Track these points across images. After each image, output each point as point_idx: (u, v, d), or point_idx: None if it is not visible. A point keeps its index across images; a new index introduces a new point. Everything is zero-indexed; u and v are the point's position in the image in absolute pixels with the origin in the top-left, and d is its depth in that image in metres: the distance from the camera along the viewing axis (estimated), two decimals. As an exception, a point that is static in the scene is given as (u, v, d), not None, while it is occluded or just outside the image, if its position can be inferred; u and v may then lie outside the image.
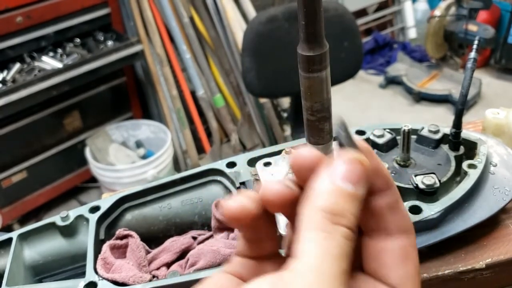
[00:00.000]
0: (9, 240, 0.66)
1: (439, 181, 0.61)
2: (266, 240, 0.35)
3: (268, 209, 0.33)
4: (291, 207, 0.32)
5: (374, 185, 0.33)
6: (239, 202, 0.32)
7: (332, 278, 0.27)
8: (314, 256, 0.28)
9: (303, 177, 0.32)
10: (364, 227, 0.34)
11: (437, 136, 0.67)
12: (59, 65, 2.26)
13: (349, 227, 0.29)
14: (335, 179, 0.30)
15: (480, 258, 0.60)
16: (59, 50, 2.37)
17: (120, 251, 0.65)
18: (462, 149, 0.67)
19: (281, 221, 0.36)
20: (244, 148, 2.98)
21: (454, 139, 0.66)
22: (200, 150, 2.89)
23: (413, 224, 0.34)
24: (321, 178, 0.31)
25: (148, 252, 0.66)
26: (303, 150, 0.33)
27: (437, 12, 3.27)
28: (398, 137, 0.69)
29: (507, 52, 3.42)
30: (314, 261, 0.27)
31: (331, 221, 0.29)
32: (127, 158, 2.60)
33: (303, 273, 0.27)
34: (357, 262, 0.33)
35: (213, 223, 0.66)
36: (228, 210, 0.32)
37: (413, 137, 0.69)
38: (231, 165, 0.70)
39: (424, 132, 0.68)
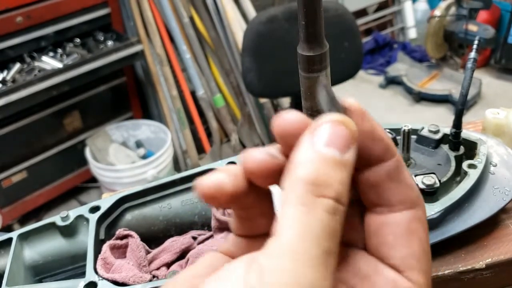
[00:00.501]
0: (9, 240, 0.66)
1: (439, 181, 0.61)
2: (259, 218, 0.31)
3: (253, 181, 0.29)
4: (279, 178, 0.28)
5: (370, 152, 0.29)
6: (214, 179, 0.28)
7: (312, 260, 0.24)
8: (291, 235, 0.24)
9: (288, 145, 0.28)
10: (365, 201, 0.30)
11: (437, 136, 0.67)
12: (59, 65, 2.26)
13: (336, 199, 0.26)
14: (317, 145, 0.26)
15: (480, 258, 0.60)
16: (59, 50, 2.37)
17: (120, 251, 0.65)
18: (462, 149, 0.67)
19: (277, 196, 0.32)
20: (244, 148, 2.98)
21: (454, 139, 0.66)
22: (200, 150, 2.89)
23: (421, 194, 0.31)
24: (302, 145, 0.27)
25: (148, 252, 0.66)
26: (287, 114, 0.29)
27: (437, 12, 3.27)
28: (398, 137, 0.69)
29: (507, 52, 3.42)
30: (290, 242, 0.24)
31: (313, 193, 0.25)
32: (127, 158, 2.60)
33: (277, 256, 0.24)
34: (360, 240, 0.30)
35: (213, 223, 0.66)
36: (202, 187, 0.28)
37: (413, 137, 0.69)
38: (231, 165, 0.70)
39: (424, 132, 0.68)
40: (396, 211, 0.29)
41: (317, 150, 0.26)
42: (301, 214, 0.25)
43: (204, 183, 0.28)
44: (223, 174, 0.29)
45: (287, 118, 0.28)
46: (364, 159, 0.29)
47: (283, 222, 0.25)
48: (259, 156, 0.29)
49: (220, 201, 0.29)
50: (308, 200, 0.25)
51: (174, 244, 0.66)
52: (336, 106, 0.28)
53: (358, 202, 0.31)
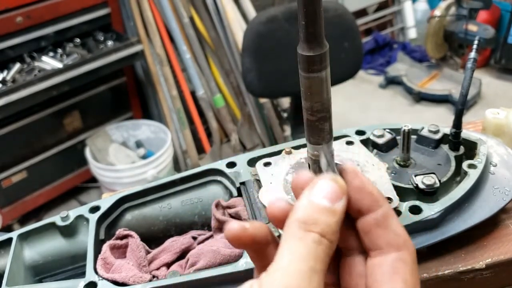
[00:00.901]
0: (9, 240, 0.66)
1: (439, 181, 0.61)
2: None
3: (275, 225, 0.37)
4: None
5: (361, 203, 0.36)
6: (240, 224, 0.36)
7: (298, 273, 0.31)
8: (285, 259, 0.32)
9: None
10: (365, 249, 0.36)
11: (437, 136, 0.67)
12: (59, 65, 2.26)
13: (322, 234, 0.33)
14: (310, 196, 0.35)
15: (480, 258, 0.60)
16: (59, 50, 2.37)
17: (120, 251, 0.65)
18: (462, 149, 0.67)
19: None
20: (244, 148, 2.98)
21: (454, 139, 0.66)
22: (200, 150, 2.89)
23: (409, 239, 0.35)
24: (302, 196, 0.35)
25: (148, 252, 0.66)
26: (301, 173, 0.38)
27: (437, 12, 3.27)
28: (398, 137, 0.69)
29: (507, 52, 3.42)
30: (284, 262, 0.32)
31: (303, 229, 0.33)
32: (127, 158, 2.60)
33: (273, 273, 0.31)
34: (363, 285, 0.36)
35: (213, 223, 0.66)
36: (229, 229, 0.36)
37: (413, 137, 0.69)
38: (231, 165, 0.70)
39: (424, 132, 0.68)
40: (385, 253, 0.35)
41: (311, 200, 0.35)
42: (293, 244, 0.33)
43: (232, 226, 0.36)
44: (247, 223, 0.37)
45: (300, 176, 0.37)
46: (357, 210, 0.36)
47: (281, 251, 0.33)
48: (282, 204, 0.37)
49: (244, 241, 0.36)
50: (299, 234, 0.33)
51: (174, 244, 0.66)
52: (332, 168, 0.37)
53: (364, 254, 0.37)
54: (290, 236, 0.33)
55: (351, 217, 0.37)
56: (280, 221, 0.36)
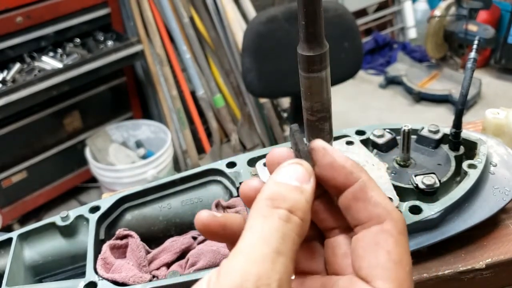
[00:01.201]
0: (9, 240, 0.66)
1: (439, 181, 0.61)
2: None
3: (248, 206, 0.35)
4: None
5: (335, 180, 0.34)
6: (210, 212, 0.35)
7: (260, 257, 0.28)
8: (248, 241, 0.29)
9: None
10: (350, 227, 0.35)
11: (437, 136, 0.67)
12: (59, 65, 2.26)
13: (289, 210, 0.31)
14: (276, 177, 0.33)
15: (480, 258, 0.60)
16: (59, 50, 2.37)
17: (120, 251, 0.65)
18: (462, 149, 0.67)
19: None
20: (244, 148, 2.98)
21: (454, 139, 0.66)
22: (200, 150, 2.89)
23: (394, 209, 0.33)
24: (268, 180, 0.34)
25: (148, 252, 0.66)
26: (275, 150, 0.36)
27: (437, 12, 3.27)
28: (398, 137, 0.69)
29: (507, 52, 3.42)
30: (245, 245, 0.29)
31: (270, 205, 0.31)
32: (127, 158, 2.60)
33: (233, 258, 0.29)
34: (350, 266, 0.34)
35: (213, 223, 0.66)
36: (198, 217, 0.35)
37: (413, 137, 0.69)
38: (231, 165, 0.70)
39: (424, 132, 0.68)
40: (367, 227, 0.33)
41: (275, 179, 0.33)
42: (257, 224, 0.30)
43: (201, 214, 0.35)
44: (217, 213, 0.35)
45: (274, 153, 0.36)
46: (334, 187, 0.34)
47: (244, 232, 0.30)
48: (256, 183, 0.36)
49: (213, 229, 0.35)
50: (265, 212, 0.31)
51: (174, 244, 0.66)
52: (297, 148, 0.36)
53: (348, 231, 0.35)
54: (255, 215, 0.31)
55: (332, 197, 0.35)
56: (252, 201, 0.34)
